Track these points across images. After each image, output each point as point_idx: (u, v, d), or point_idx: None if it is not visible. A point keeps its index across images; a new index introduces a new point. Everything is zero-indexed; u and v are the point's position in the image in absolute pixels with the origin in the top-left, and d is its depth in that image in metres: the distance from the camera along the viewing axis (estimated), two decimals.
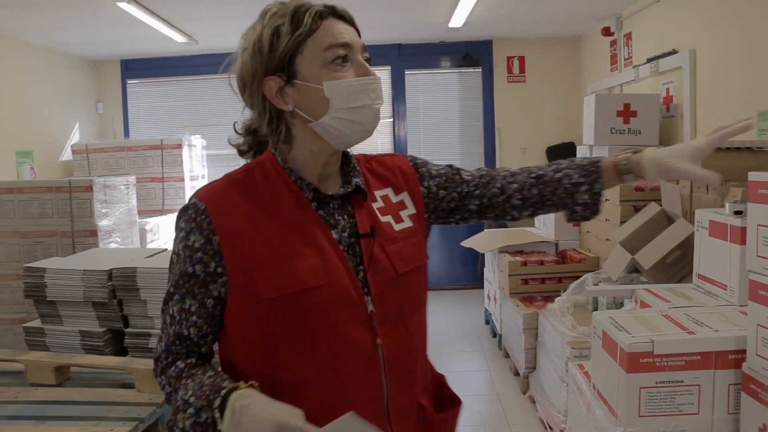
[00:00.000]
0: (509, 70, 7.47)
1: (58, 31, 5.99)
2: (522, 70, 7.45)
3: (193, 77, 7.66)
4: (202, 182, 7.26)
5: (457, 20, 6.04)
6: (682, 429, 2.44)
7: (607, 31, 6.31)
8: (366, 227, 1.31)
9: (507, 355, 5.08)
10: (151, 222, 5.99)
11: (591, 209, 1.45)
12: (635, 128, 4.85)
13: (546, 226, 5.29)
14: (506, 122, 7.50)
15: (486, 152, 7.64)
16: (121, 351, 3.55)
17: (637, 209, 3.96)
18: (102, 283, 3.58)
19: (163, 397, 2.62)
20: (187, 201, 1.26)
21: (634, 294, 3.22)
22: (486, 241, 5.37)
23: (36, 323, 3.60)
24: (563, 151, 6.18)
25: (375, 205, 1.37)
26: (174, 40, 6.39)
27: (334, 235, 1.29)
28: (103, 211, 5.23)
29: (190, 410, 1.17)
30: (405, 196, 1.41)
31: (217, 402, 1.14)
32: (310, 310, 1.22)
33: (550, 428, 3.72)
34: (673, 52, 5.02)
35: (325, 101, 1.25)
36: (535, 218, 5.52)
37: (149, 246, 5.71)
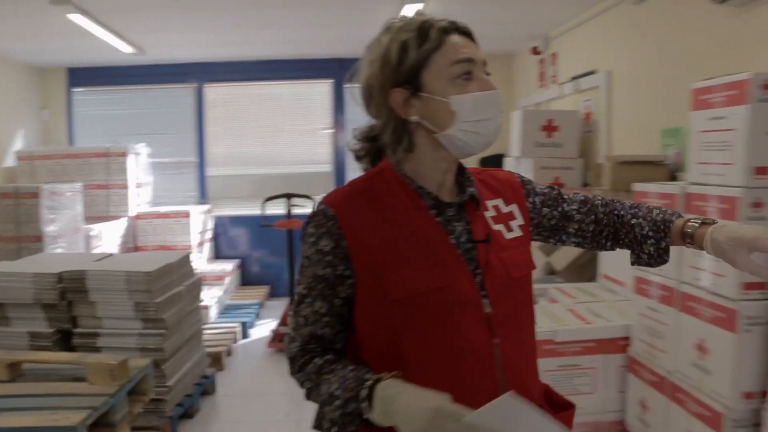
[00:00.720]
0: None
1: (4, 38, 6.05)
2: None
3: (139, 86, 7.77)
4: (148, 190, 7.39)
5: None
6: (579, 407, 2.77)
7: (535, 51, 6.72)
8: (481, 234, 1.35)
9: None
10: (96, 228, 6.10)
11: (655, 260, 1.48)
12: (558, 142, 5.24)
13: None
14: None
15: None
16: (69, 351, 3.71)
17: None
18: (52, 285, 3.76)
19: (115, 388, 2.85)
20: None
21: (546, 292, 3.57)
22: None
23: None
24: (494, 161, 6.53)
25: (487, 214, 1.41)
26: (121, 50, 6.53)
27: (452, 241, 1.34)
28: (50, 217, 5.34)
29: (337, 402, 1.24)
30: (514, 208, 1.45)
31: (363, 393, 1.20)
32: (432, 310, 1.28)
33: None
34: (593, 72, 5.44)
35: (450, 114, 1.29)
36: None
37: (94, 252, 5.83)
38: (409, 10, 5.22)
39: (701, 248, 1.39)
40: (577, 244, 1.55)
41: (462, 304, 1.29)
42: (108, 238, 6.30)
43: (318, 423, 1.33)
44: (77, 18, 5.16)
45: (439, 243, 1.32)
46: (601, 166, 4.35)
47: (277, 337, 5.73)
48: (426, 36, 1.29)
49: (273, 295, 7.72)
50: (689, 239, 1.41)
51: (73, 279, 3.74)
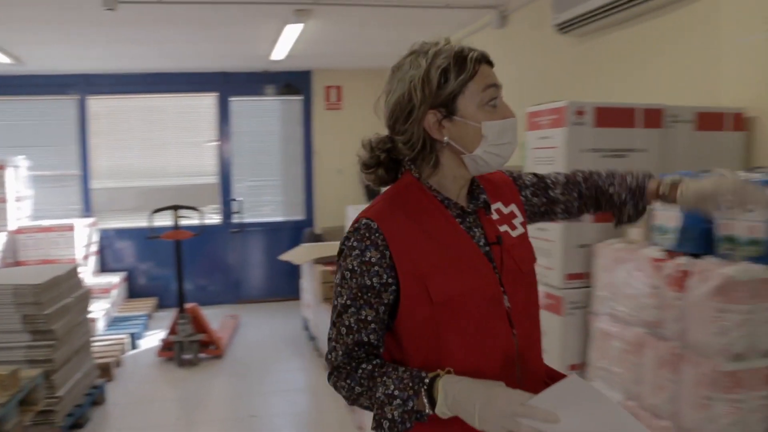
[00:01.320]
0: (327, 99, 8.16)
1: None
2: (339, 98, 8.17)
3: (17, 97, 7.61)
4: (28, 203, 7.25)
5: (279, 54, 6.61)
6: None
7: None
8: (493, 236, 1.47)
9: (321, 355, 5.69)
10: None
11: (635, 219, 1.68)
12: None
13: None
14: (324, 146, 8.16)
15: (305, 173, 8.26)
16: None
17: None
18: None
19: (6, 399, 2.95)
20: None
21: None
22: (301, 254, 5.98)
23: None
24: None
25: (493, 217, 1.51)
26: None
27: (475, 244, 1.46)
28: None
29: (397, 401, 1.30)
30: (514, 207, 1.56)
31: (423, 390, 1.29)
32: (469, 309, 1.38)
33: (354, 410, 4.36)
34: None
35: (480, 137, 1.39)
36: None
37: None
38: (290, 30, 5.52)
39: (675, 204, 1.60)
40: (565, 219, 1.73)
41: (490, 301, 1.41)
42: None
43: (377, 425, 1.34)
44: None
45: (469, 249, 1.43)
46: None
47: (166, 346, 5.84)
48: (464, 65, 1.38)
49: (161, 306, 7.76)
50: (663, 199, 1.61)
51: None
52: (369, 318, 1.39)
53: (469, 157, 1.41)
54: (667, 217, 2.07)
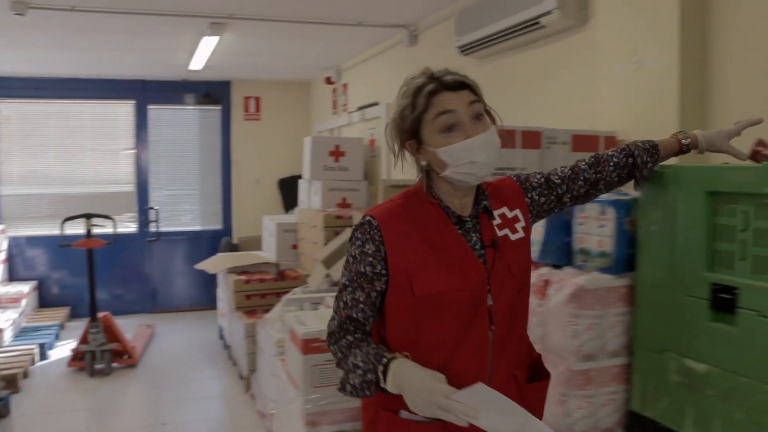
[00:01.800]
0: (246, 109, 8.25)
1: None
2: (258, 109, 8.26)
3: None
4: None
5: (197, 64, 6.67)
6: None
7: (329, 80, 7.33)
8: (488, 240, 1.62)
9: (235, 363, 5.76)
10: None
11: (648, 179, 1.88)
12: (344, 166, 5.80)
13: (269, 250, 6.08)
14: (242, 156, 8.24)
15: (223, 182, 8.32)
16: None
17: (336, 233, 4.86)
18: None
19: None
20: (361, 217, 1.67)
21: (324, 300, 4.08)
22: (216, 263, 6.04)
23: None
24: (293, 183, 6.99)
25: (495, 222, 1.66)
26: None
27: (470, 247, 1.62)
28: None
29: (359, 371, 1.53)
30: (518, 212, 1.70)
31: (380, 367, 1.49)
32: (448, 305, 1.56)
33: (264, 416, 4.46)
34: (376, 103, 6.10)
35: (442, 161, 1.55)
36: (263, 243, 6.33)
37: None
38: (207, 42, 5.60)
39: (696, 148, 1.88)
40: (576, 204, 1.86)
41: (471, 300, 1.57)
42: None
43: (342, 386, 1.57)
44: None
45: (461, 250, 1.59)
46: (377, 189, 4.97)
47: (77, 356, 5.79)
48: (417, 100, 1.55)
49: (74, 316, 7.64)
50: (686, 147, 1.86)
51: None
52: (360, 299, 1.60)
53: (444, 176, 1.58)
54: (533, 231, 2.29)
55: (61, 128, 7.86)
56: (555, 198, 1.78)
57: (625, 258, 2.06)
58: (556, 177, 1.79)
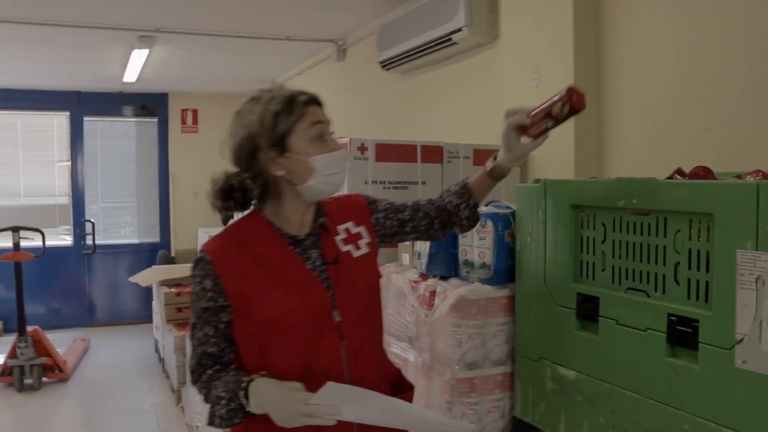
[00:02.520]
0: (183, 121, 8.23)
1: None
2: (195, 121, 8.26)
3: None
4: None
5: (130, 76, 6.64)
6: None
7: None
8: (330, 257, 1.65)
9: (168, 376, 5.74)
10: None
11: (472, 221, 1.84)
12: None
13: None
14: (180, 168, 8.22)
15: (161, 195, 8.29)
16: None
17: None
18: None
19: None
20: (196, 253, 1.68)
21: None
22: (149, 276, 6.02)
23: None
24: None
25: (338, 238, 1.69)
26: None
27: (308, 266, 1.63)
28: None
29: (223, 402, 1.52)
30: (362, 229, 1.73)
31: (241, 393, 1.50)
32: (291, 326, 1.57)
33: (192, 428, 4.46)
34: None
35: (311, 170, 1.58)
36: None
37: None
38: (137, 55, 5.59)
39: (505, 170, 1.78)
40: (417, 239, 1.89)
41: (316, 317, 1.58)
42: None
43: (210, 420, 1.56)
44: None
45: (297, 271, 1.60)
46: None
47: (5, 371, 5.70)
48: (293, 107, 1.57)
49: (6, 330, 7.50)
50: (499, 175, 1.79)
51: None
52: (210, 333, 1.61)
53: (303, 187, 1.59)
54: (422, 244, 2.36)
55: None
56: (397, 223, 1.80)
57: (506, 269, 2.14)
58: (399, 204, 1.84)
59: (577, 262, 1.88)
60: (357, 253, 1.70)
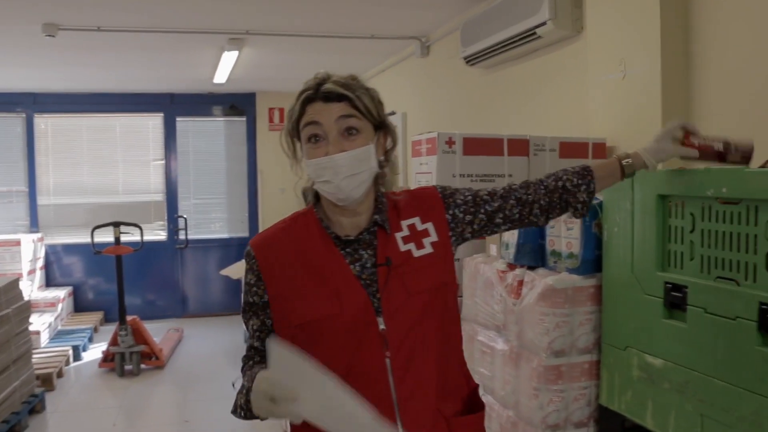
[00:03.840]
0: (270, 120, 8.47)
1: None
2: (282, 119, 8.47)
3: None
4: None
5: (220, 77, 6.90)
6: None
7: None
8: (382, 257, 1.49)
9: None
10: None
11: (587, 207, 1.67)
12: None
13: None
14: (267, 165, 8.46)
15: (249, 191, 8.57)
16: None
17: None
18: None
19: None
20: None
21: None
22: (238, 269, 6.25)
23: None
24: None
25: (400, 234, 1.53)
26: None
27: (357, 268, 1.49)
28: None
29: (243, 391, 1.45)
30: (430, 226, 1.55)
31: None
32: (327, 332, 1.46)
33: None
34: (393, 113, 6.25)
35: (309, 174, 1.50)
36: None
37: None
38: (227, 57, 5.81)
39: (639, 165, 1.68)
40: (510, 228, 1.69)
41: (355, 326, 1.45)
42: None
43: (233, 409, 1.51)
44: None
45: (339, 274, 1.48)
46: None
47: (107, 357, 6.05)
48: (294, 107, 1.48)
49: (107, 320, 7.95)
50: (629, 168, 1.67)
51: None
52: (256, 327, 1.55)
53: (317, 188, 1.50)
54: (510, 234, 2.41)
55: (93, 141, 8.20)
56: (485, 216, 1.61)
57: (593, 259, 2.17)
58: (485, 194, 1.63)
59: (665, 252, 1.91)
60: (418, 253, 1.52)
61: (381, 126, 1.54)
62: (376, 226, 1.53)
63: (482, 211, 1.61)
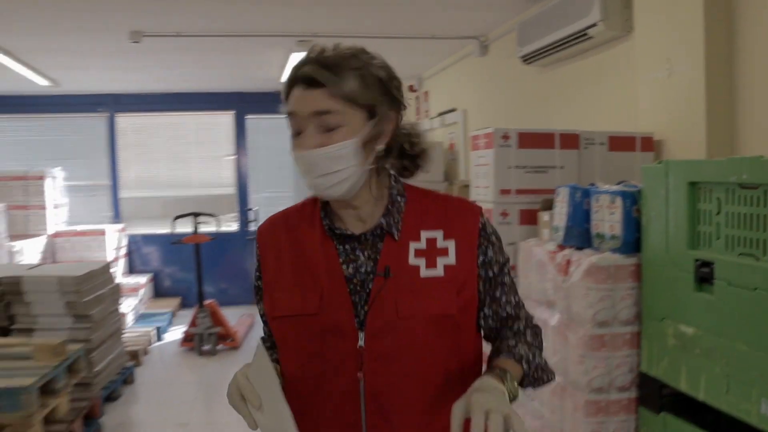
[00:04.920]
0: None
1: None
2: None
3: (53, 115, 8.42)
4: (64, 210, 8.00)
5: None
6: None
7: (412, 88, 7.81)
8: (383, 266, 1.31)
9: None
10: (18, 245, 6.71)
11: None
12: (426, 168, 6.24)
13: None
14: None
15: None
16: None
17: None
18: None
19: (57, 362, 3.61)
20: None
21: None
22: None
23: None
24: None
25: (415, 245, 1.34)
26: (37, 83, 7.15)
27: (350, 270, 1.33)
28: None
29: None
30: (451, 245, 1.35)
31: None
32: (303, 333, 1.33)
33: None
34: (453, 110, 6.54)
35: None
36: None
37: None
38: (295, 58, 6.18)
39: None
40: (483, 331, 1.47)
41: (333, 333, 1.30)
42: (29, 253, 6.92)
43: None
44: (2, 57, 5.82)
45: (328, 272, 1.33)
46: (452, 188, 5.42)
47: (188, 338, 6.52)
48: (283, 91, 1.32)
49: (184, 305, 8.46)
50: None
51: (10, 283, 4.47)
52: (261, 312, 1.47)
53: None
54: (559, 218, 2.69)
55: (170, 138, 8.74)
56: (488, 297, 1.41)
57: (633, 240, 2.43)
58: (507, 280, 1.44)
59: (695, 232, 2.16)
60: (426, 273, 1.32)
61: (376, 111, 1.32)
62: (381, 230, 1.36)
63: (489, 294, 1.41)
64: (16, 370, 3.55)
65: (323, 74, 1.26)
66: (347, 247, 1.36)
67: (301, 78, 1.28)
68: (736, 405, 1.97)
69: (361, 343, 1.29)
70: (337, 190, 1.30)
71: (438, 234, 1.35)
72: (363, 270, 1.33)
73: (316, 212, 1.40)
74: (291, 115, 1.31)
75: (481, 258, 1.38)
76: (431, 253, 1.34)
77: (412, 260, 1.33)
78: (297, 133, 1.31)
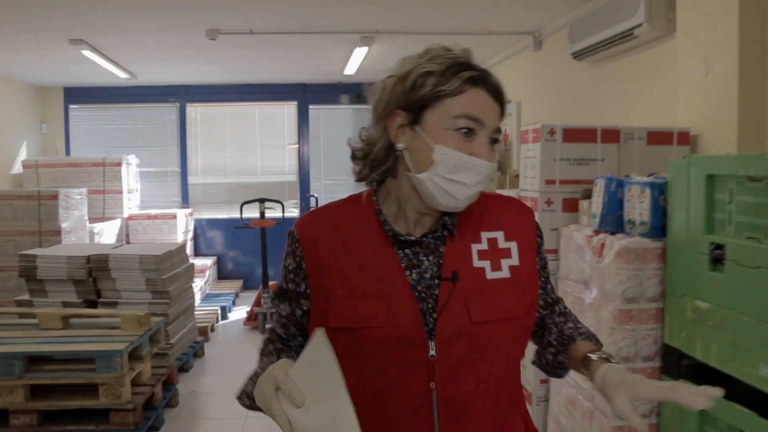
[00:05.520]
0: None
1: (12, 63, 7.14)
2: None
3: (129, 105, 8.97)
4: (136, 195, 8.56)
5: (350, 69, 7.66)
6: None
7: None
8: (449, 271, 1.27)
9: None
10: (98, 227, 7.26)
11: (551, 370, 1.45)
12: None
13: None
14: None
15: None
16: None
17: None
18: (82, 265, 4.95)
19: (142, 332, 4.05)
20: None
21: None
22: None
23: (26, 297, 4.91)
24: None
25: (477, 247, 1.31)
26: (117, 75, 7.70)
27: (414, 276, 1.28)
28: (65, 216, 6.48)
29: (254, 378, 1.28)
30: (513, 246, 1.33)
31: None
32: (367, 345, 1.25)
33: None
34: (508, 102, 6.78)
35: (430, 161, 1.23)
36: None
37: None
38: (358, 52, 6.54)
39: (590, 378, 1.30)
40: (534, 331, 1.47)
41: (400, 344, 1.25)
42: (107, 235, 7.48)
43: (239, 394, 1.36)
44: (89, 54, 6.35)
45: (392, 280, 1.27)
46: (504, 178, 5.70)
47: (252, 316, 6.97)
48: (450, 78, 1.23)
49: (246, 287, 8.95)
50: (585, 367, 1.31)
51: (98, 260, 4.95)
52: (283, 314, 1.41)
53: (415, 178, 1.27)
54: (596, 205, 2.97)
55: (235, 127, 9.19)
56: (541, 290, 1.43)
57: (660, 226, 2.71)
58: (547, 292, 1.47)
59: (711, 219, 2.43)
60: (492, 275, 1.30)
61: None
62: (445, 230, 1.32)
63: (543, 282, 1.43)
64: (108, 337, 3.99)
65: (504, 95, 1.30)
66: (408, 251, 1.30)
67: (492, 87, 1.28)
68: (740, 369, 2.25)
69: (432, 352, 1.25)
70: (469, 202, 1.30)
71: (499, 235, 1.33)
72: (428, 276, 1.29)
73: (369, 214, 1.34)
74: (478, 122, 1.25)
75: (538, 258, 1.39)
76: (494, 254, 1.32)
77: (477, 262, 1.30)
78: (467, 135, 1.25)
